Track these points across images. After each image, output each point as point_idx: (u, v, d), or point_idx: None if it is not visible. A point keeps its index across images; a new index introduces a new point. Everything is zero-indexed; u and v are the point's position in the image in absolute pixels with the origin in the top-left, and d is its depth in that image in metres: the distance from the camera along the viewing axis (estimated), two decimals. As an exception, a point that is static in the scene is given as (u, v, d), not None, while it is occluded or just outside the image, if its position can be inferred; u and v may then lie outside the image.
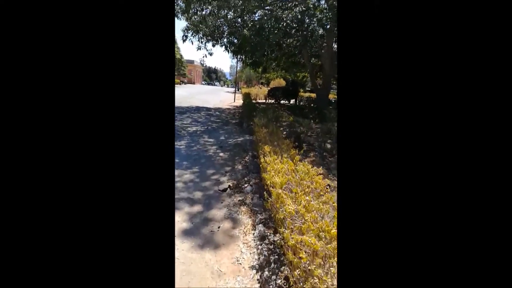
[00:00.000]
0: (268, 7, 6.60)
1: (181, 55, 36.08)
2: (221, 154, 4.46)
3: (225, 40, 8.83)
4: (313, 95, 16.17)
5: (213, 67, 65.59)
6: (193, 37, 7.60)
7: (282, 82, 20.61)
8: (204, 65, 11.13)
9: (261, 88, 22.90)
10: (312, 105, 9.90)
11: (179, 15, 7.31)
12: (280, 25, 5.39)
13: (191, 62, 46.88)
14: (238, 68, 22.76)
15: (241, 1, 6.10)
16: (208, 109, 10.91)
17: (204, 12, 5.27)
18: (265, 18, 5.45)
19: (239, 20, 7.32)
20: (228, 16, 7.69)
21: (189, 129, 6.34)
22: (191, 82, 46.14)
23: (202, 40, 8.00)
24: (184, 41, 7.50)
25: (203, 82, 56.92)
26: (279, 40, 6.25)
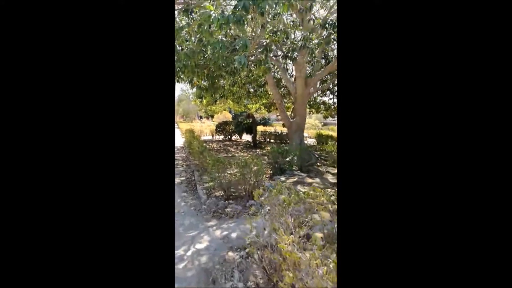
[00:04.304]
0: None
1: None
2: None
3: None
4: (269, 128, 14.16)
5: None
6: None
7: (228, 115, 18.19)
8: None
9: (204, 122, 19.90)
10: (283, 142, 7.42)
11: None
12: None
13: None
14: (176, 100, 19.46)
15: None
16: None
17: None
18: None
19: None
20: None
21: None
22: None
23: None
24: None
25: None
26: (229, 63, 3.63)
